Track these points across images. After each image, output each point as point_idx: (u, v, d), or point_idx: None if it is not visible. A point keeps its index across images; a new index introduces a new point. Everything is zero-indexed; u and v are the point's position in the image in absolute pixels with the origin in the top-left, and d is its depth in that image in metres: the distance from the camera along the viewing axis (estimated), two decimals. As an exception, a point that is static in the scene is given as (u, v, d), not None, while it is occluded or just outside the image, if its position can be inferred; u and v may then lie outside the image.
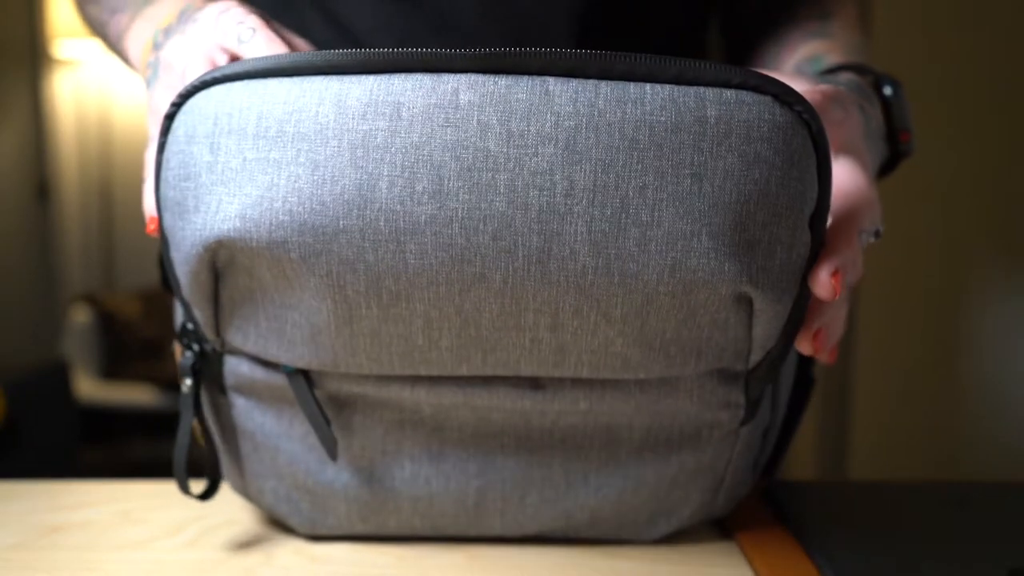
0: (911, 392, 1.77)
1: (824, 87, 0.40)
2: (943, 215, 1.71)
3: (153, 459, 2.82)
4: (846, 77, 0.47)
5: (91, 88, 3.29)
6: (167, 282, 0.45)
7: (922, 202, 1.73)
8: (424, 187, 0.33)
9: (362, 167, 0.33)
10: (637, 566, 0.43)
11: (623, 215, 0.33)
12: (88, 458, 2.67)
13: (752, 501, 0.49)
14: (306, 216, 0.34)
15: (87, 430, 2.75)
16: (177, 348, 0.44)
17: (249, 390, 0.42)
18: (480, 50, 0.33)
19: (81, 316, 2.95)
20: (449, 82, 0.33)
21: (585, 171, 0.32)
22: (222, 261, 0.37)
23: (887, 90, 0.47)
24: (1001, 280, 1.68)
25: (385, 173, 0.33)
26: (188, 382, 0.41)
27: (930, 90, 1.72)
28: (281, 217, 0.34)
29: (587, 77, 0.33)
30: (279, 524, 0.47)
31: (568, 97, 0.33)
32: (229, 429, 0.43)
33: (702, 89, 0.33)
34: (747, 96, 0.33)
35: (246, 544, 0.45)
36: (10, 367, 2.05)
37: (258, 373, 0.41)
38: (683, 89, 0.33)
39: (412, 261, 0.34)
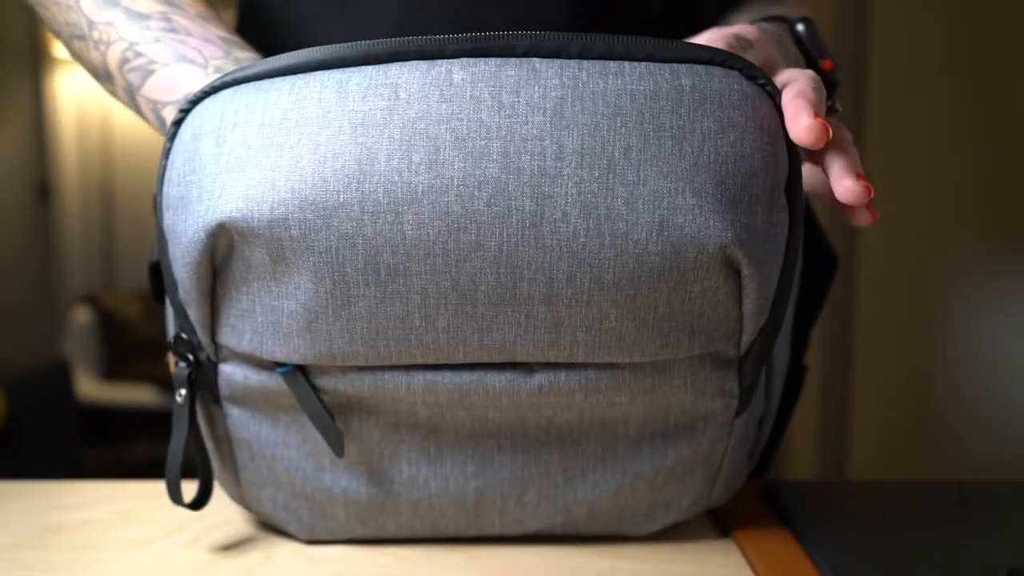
0: (910, 392, 1.77)
1: (727, 29, 0.41)
2: (942, 214, 1.71)
3: (154, 459, 2.82)
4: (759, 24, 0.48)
5: (92, 88, 3.29)
6: (158, 292, 0.45)
7: (922, 201, 1.73)
8: (421, 158, 0.34)
9: (362, 143, 0.35)
10: (637, 566, 0.43)
11: (610, 175, 0.34)
12: (88, 458, 2.67)
13: (751, 500, 0.49)
14: (307, 192, 0.35)
15: (87, 430, 2.75)
16: (171, 359, 0.44)
17: (244, 399, 0.41)
18: (469, 35, 0.36)
19: (82, 316, 2.95)
20: (443, 65, 0.36)
21: (573, 136, 0.35)
22: (221, 252, 0.38)
23: (799, 27, 0.48)
24: (1001, 280, 1.68)
25: (384, 147, 0.35)
26: (183, 392, 0.41)
27: (924, 91, 1.72)
28: (283, 195, 0.35)
29: (569, 57, 0.36)
30: (279, 524, 0.47)
31: (554, 72, 0.35)
32: (225, 439, 0.43)
33: (675, 64, 0.36)
34: (716, 70, 0.36)
35: (245, 544, 0.45)
36: (11, 367, 2.05)
37: (253, 380, 0.40)
38: (658, 64, 0.36)
39: (410, 232, 0.35)
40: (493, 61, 0.36)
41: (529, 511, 0.43)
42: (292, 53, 0.37)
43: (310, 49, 0.37)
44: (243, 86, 0.38)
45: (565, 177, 0.34)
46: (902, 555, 0.41)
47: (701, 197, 0.35)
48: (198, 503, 0.43)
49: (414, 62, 0.36)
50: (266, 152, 0.36)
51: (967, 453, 1.69)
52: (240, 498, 0.45)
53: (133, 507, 0.49)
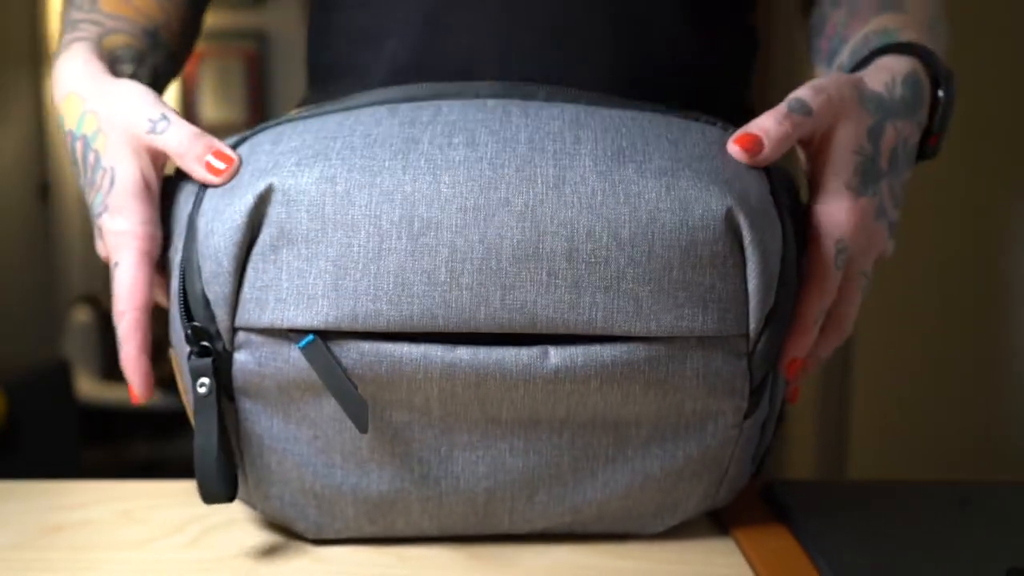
0: (911, 392, 1.77)
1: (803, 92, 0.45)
2: (942, 215, 1.72)
3: (154, 459, 2.82)
4: (903, 68, 0.48)
5: (92, 88, 3.29)
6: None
7: (922, 202, 1.73)
8: (460, 140, 0.41)
9: (409, 133, 0.41)
10: (637, 565, 0.43)
11: (621, 155, 0.41)
12: (88, 458, 2.67)
13: (751, 500, 0.49)
14: (356, 160, 0.40)
15: (87, 430, 2.75)
16: (173, 356, 0.44)
17: (256, 391, 0.41)
18: (500, 82, 0.45)
19: (82, 316, 2.95)
20: (477, 100, 0.45)
21: (587, 133, 0.42)
22: (257, 221, 0.40)
23: (939, 92, 0.48)
24: (1003, 279, 1.68)
25: (427, 134, 0.41)
26: (206, 381, 0.41)
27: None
28: (334, 162, 0.40)
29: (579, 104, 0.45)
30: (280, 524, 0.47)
31: (570, 106, 0.45)
32: (234, 435, 0.43)
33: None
34: (693, 121, 0.45)
35: (246, 544, 0.45)
36: (11, 367, 2.05)
37: (268, 368, 0.40)
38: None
39: (445, 190, 0.39)
40: (519, 99, 0.45)
41: (539, 510, 0.44)
42: (342, 99, 0.45)
43: (358, 94, 0.45)
44: (297, 121, 0.44)
45: (583, 155, 0.41)
46: (902, 555, 0.41)
47: (700, 176, 0.41)
48: (230, 496, 0.43)
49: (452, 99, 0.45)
50: (321, 142, 0.41)
51: (967, 453, 1.69)
52: (246, 497, 0.45)
53: (133, 507, 0.49)
